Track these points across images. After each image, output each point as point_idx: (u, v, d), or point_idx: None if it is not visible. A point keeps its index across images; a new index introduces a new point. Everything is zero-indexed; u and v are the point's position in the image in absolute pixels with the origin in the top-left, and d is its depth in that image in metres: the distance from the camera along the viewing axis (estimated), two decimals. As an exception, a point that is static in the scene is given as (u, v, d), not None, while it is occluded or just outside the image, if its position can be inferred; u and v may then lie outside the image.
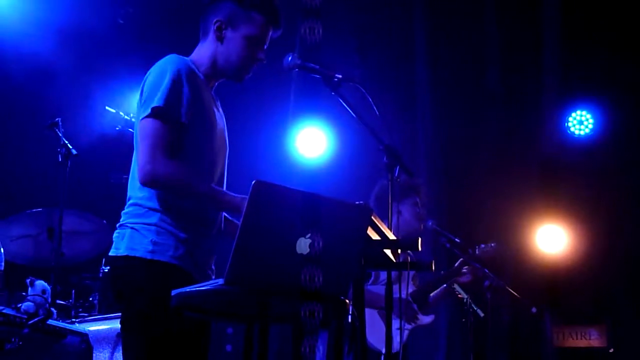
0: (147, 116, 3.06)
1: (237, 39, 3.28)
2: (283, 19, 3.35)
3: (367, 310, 5.03)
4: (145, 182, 3.05)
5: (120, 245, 3.13)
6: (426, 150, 7.92)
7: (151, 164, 3.01)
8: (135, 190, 3.17)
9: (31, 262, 5.53)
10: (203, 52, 3.33)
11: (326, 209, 2.70)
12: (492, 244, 5.76)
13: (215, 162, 3.27)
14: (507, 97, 7.84)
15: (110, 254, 3.18)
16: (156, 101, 3.06)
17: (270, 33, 3.33)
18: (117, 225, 3.21)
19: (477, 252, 5.70)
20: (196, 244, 3.16)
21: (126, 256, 3.10)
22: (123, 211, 3.22)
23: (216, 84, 3.40)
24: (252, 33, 3.28)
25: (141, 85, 3.19)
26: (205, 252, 3.21)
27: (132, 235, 3.11)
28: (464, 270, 5.55)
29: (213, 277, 3.25)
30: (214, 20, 3.29)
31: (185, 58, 3.26)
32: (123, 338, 3.15)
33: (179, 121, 3.08)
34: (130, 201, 3.19)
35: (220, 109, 3.42)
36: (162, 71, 3.12)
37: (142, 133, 3.07)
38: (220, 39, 3.29)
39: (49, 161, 5.44)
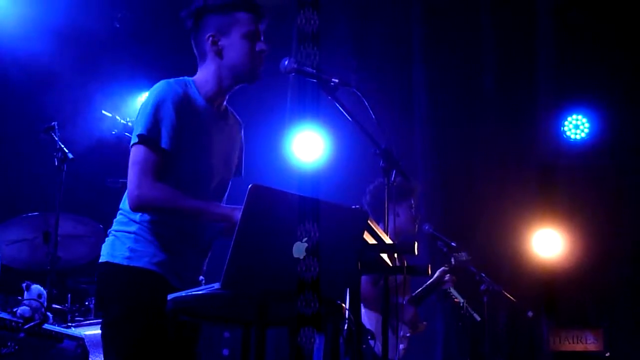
0: (135, 143, 3.15)
1: (234, 41, 3.29)
2: (263, 8, 3.35)
3: (376, 316, 5.04)
4: (134, 208, 3.13)
5: (104, 252, 3.23)
6: (423, 154, 7.92)
7: (138, 189, 3.09)
8: (124, 202, 3.26)
9: (27, 266, 5.52)
10: (205, 71, 3.34)
11: (323, 212, 2.70)
12: (463, 253, 5.77)
13: (209, 180, 3.29)
14: (503, 102, 7.85)
15: (98, 261, 3.26)
16: (140, 129, 3.13)
17: (261, 25, 3.34)
18: (107, 232, 3.30)
19: (452, 262, 5.70)
20: (177, 255, 3.19)
21: (106, 262, 3.19)
22: (114, 220, 3.30)
23: (227, 97, 3.39)
24: (246, 29, 3.29)
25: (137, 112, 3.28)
26: (188, 265, 3.24)
27: (113, 242, 3.21)
28: (446, 278, 5.56)
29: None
30: (206, 37, 3.30)
31: (179, 80, 3.28)
32: (103, 342, 3.19)
33: (162, 148, 3.13)
34: (119, 211, 3.28)
35: (231, 122, 3.43)
36: (148, 100, 3.19)
37: (131, 160, 3.16)
38: (218, 52, 3.29)
39: (45, 165, 5.44)
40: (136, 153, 3.13)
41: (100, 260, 3.22)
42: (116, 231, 3.22)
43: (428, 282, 5.59)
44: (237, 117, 3.50)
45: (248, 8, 3.30)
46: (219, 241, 3.36)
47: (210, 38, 3.29)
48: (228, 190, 3.43)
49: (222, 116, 3.39)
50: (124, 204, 3.25)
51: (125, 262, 3.13)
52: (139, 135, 3.12)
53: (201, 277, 3.33)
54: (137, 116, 3.21)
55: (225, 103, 3.40)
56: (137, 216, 3.18)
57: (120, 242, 3.17)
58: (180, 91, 3.23)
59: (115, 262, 3.15)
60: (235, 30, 3.28)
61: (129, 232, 3.17)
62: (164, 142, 3.13)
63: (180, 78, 3.30)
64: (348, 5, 7.97)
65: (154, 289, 3.08)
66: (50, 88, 6.85)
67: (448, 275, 5.55)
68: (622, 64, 7.57)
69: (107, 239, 3.26)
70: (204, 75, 3.33)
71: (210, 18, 3.30)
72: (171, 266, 3.17)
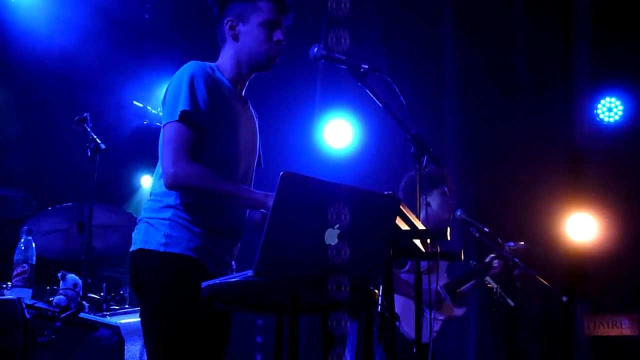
0: (170, 121, 3.14)
1: (252, 28, 3.31)
2: (289, 2, 3.36)
3: (403, 300, 5.06)
4: (170, 186, 3.12)
5: (137, 239, 3.22)
6: (454, 139, 7.88)
7: (173, 167, 3.08)
8: (155, 187, 3.26)
9: (62, 256, 5.57)
10: (225, 56, 3.38)
11: (354, 199, 2.70)
12: (522, 243, 5.72)
13: (237, 164, 3.29)
14: (536, 85, 7.78)
15: (129, 250, 3.26)
16: (180, 105, 3.12)
17: (283, 19, 3.35)
18: (137, 220, 3.28)
19: (506, 249, 5.66)
20: (212, 239, 3.19)
21: (140, 249, 3.18)
22: (143, 207, 3.29)
23: (247, 84, 3.42)
24: (265, 18, 3.31)
25: (163, 93, 3.27)
26: (222, 249, 3.24)
27: (147, 229, 3.19)
28: (495, 263, 5.53)
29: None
30: (225, 21, 3.34)
31: (206, 63, 3.30)
32: (143, 330, 3.20)
33: (199, 125, 3.14)
34: (150, 197, 3.28)
35: (251, 111, 3.45)
36: (181, 78, 3.19)
37: (165, 137, 3.15)
38: (235, 36, 3.33)
39: (78, 156, 5.48)
40: (171, 130, 3.13)
41: (132, 248, 3.21)
42: (149, 218, 3.21)
43: (476, 267, 5.56)
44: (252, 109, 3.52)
45: None
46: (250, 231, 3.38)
47: (229, 23, 3.33)
48: (253, 180, 3.44)
49: (244, 102, 3.41)
50: (155, 188, 3.25)
51: (161, 249, 3.12)
52: (179, 112, 3.10)
53: (232, 261, 3.34)
54: (170, 95, 3.19)
55: (244, 91, 3.42)
56: (172, 200, 3.17)
57: (154, 229, 3.16)
58: (210, 71, 3.26)
59: (150, 248, 3.14)
60: (254, 18, 3.31)
61: (164, 219, 3.16)
62: (202, 119, 3.14)
63: (206, 62, 3.32)
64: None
65: (191, 274, 3.08)
66: (83, 79, 6.91)
67: (497, 261, 5.51)
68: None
69: (138, 226, 3.24)
70: (224, 60, 3.37)
71: (233, 5, 3.34)
72: (207, 251, 3.17)
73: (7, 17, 6.78)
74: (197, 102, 3.14)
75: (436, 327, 5.36)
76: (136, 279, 3.22)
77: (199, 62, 3.27)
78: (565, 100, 7.81)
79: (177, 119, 3.11)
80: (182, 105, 3.12)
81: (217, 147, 3.20)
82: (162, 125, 3.20)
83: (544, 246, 7.41)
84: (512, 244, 5.69)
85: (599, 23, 7.58)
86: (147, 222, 3.21)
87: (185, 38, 7.28)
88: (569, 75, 7.76)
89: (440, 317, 5.40)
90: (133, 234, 3.25)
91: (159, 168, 3.25)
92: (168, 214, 3.17)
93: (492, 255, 5.56)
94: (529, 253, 5.75)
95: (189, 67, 3.22)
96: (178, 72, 3.23)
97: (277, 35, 3.31)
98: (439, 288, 5.31)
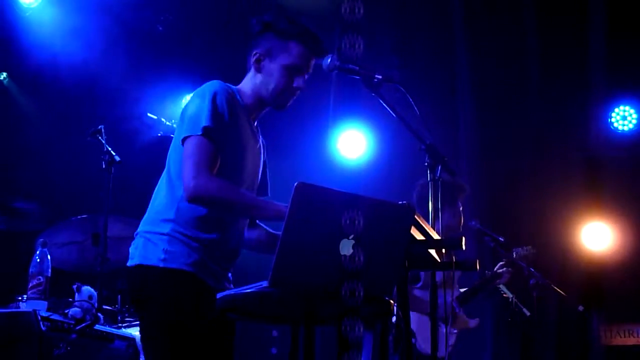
0: (192, 135, 3.13)
1: (275, 68, 3.31)
2: (324, 46, 3.35)
3: (418, 316, 5.04)
4: (191, 199, 3.10)
5: (135, 254, 3.23)
6: (468, 149, 7.87)
7: (195, 179, 3.07)
8: (155, 200, 3.28)
9: (77, 268, 5.58)
10: (247, 82, 3.38)
11: (369, 209, 2.70)
12: (528, 247, 5.72)
13: (239, 185, 3.28)
14: (550, 93, 7.76)
15: (127, 265, 3.26)
16: (203, 121, 3.12)
17: (312, 61, 3.34)
18: (134, 234, 3.28)
19: (513, 256, 5.66)
20: (210, 254, 3.19)
21: (139, 265, 3.19)
22: (142, 220, 3.30)
23: (262, 113, 3.43)
24: (290, 62, 3.29)
25: (183, 107, 3.27)
26: (220, 263, 3.25)
27: (146, 244, 3.20)
28: (501, 271, 5.52)
29: (231, 286, 3.28)
30: (253, 53, 3.34)
31: (228, 85, 3.31)
32: (143, 346, 3.22)
33: (219, 142, 3.14)
34: (149, 210, 3.29)
35: (260, 143, 3.45)
36: (204, 93, 3.19)
37: (186, 151, 3.14)
38: (259, 69, 3.33)
39: (93, 168, 5.50)
40: (192, 144, 3.12)
41: (131, 263, 3.22)
42: (147, 232, 3.22)
43: (487, 277, 5.54)
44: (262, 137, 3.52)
45: (306, 42, 3.30)
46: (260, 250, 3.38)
47: (256, 55, 3.33)
48: None
49: (256, 131, 3.42)
50: (154, 201, 3.27)
51: (161, 264, 3.13)
52: (204, 127, 3.10)
53: (229, 274, 3.34)
54: (191, 108, 3.19)
55: (256, 122, 3.43)
56: (172, 214, 3.17)
57: (153, 244, 3.17)
58: (231, 91, 3.27)
59: (149, 264, 3.15)
60: (281, 58, 3.30)
61: (162, 234, 3.17)
62: (221, 137, 3.14)
63: (228, 84, 3.33)
64: (389, 1, 7.94)
65: (190, 290, 3.11)
66: (97, 92, 6.94)
67: (505, 268, 5.50)
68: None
69: (135, 240, 3.25)
70: (246, 86, 3.38)
71: (269, 36, 3.32)
72: (205, 265, 3.17)
73: (23, 29, 6.83)
74: (219, 120, 3.15)
75: (451, 341, 5.34)
76: (136, 295, 3.24)
77: (222, 82, 3.28)
78: (580, 108, 7.79)
79: (200, 133, 3.11)
80: (205, 121, 3.12)
81: (224, 165, 3.19)
82: (180, 138, 3.19)
83: (559, 255, 7.39)
84: (519, 249, 5.69)
85: (614, 31, 7.55)
86: (145, 237, 3.21)
87: (200, 50, 7.30)
88: (583, 83, 7.74)
89: (454, 331, 5.39)
90: (130, 249, 3.26)
91: (162, 181, 3.28)
92: (167, 228, 3.17)
93: (501, 263, 5.55)
94: (536, 258, 5.74)
95: (212, 85, 3.23)
96: (201, 88, 3.24)
97: (298, 82, 3.31)
98: (453, 302, 5.29)
